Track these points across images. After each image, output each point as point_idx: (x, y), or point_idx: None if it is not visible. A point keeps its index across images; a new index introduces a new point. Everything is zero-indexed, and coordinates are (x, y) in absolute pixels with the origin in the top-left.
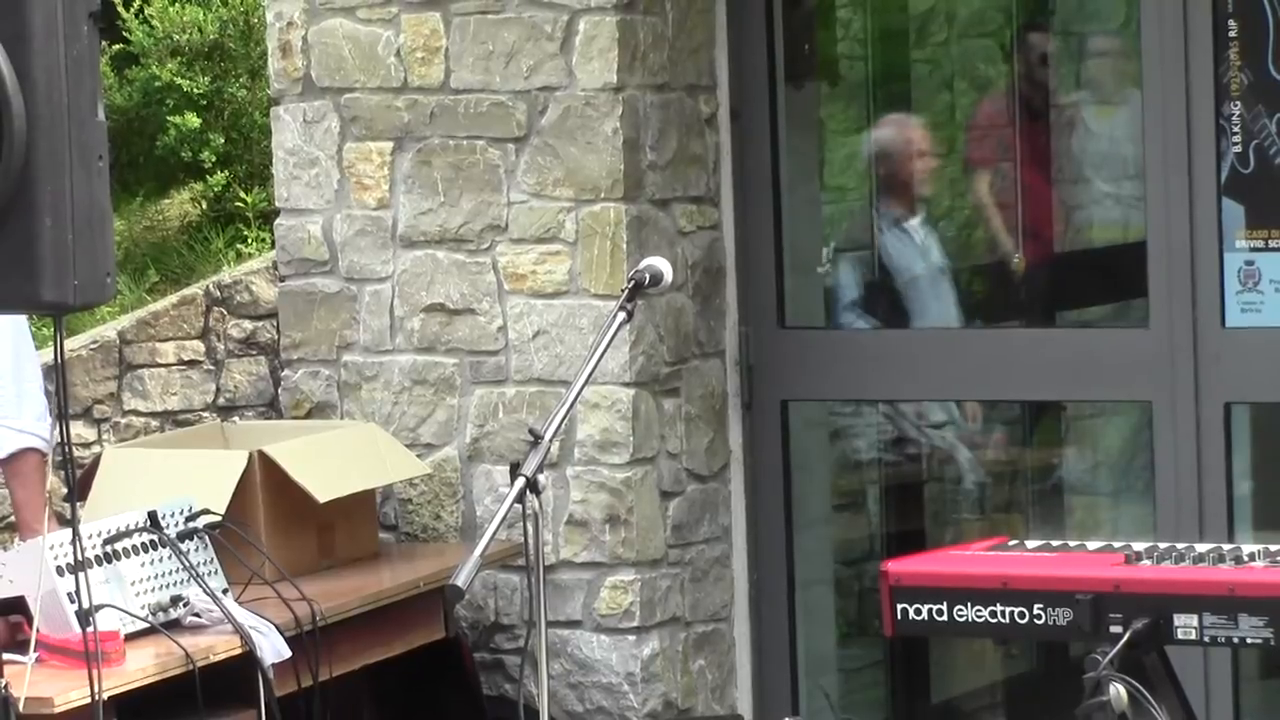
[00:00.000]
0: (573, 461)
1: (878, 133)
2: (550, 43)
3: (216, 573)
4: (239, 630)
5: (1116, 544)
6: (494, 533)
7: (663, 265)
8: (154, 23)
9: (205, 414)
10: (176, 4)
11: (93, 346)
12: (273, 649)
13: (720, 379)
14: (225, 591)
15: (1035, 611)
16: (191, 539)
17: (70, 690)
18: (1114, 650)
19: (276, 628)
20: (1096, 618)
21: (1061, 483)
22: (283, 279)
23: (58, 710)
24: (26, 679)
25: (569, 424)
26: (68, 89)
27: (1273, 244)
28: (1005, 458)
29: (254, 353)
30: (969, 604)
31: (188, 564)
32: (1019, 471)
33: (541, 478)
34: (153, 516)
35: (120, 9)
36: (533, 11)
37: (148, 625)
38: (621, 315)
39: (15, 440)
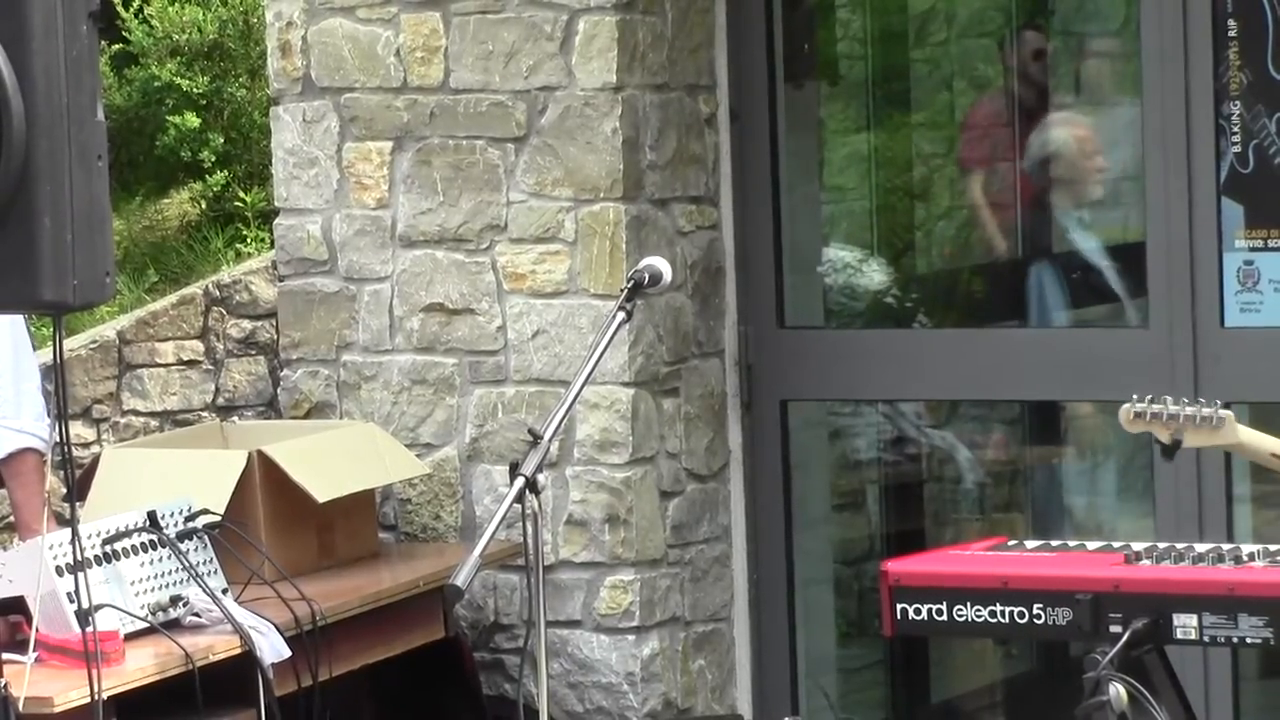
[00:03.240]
0: (572, 461)
1: (1054, 133)
2: (550, 42)
3: (216, 572)
4: (238, 630)
5: (1116, 544)
6: (493, 532)
7: (662, 265)
8: (153, 22)
9: (204, 414)
10: (176, 4)
11: (92, 346)
12: (272, 649)
13: (719, 379)
14: (225, 591)
15: (1035, 611)
16: (191, 539)
17: (70, 690)
18: (1114, 650)
19: (276, 627)
20: (1096, 617)
21: (1061, 483)
22: (282, 279)
23: (57, 710)
24: (26, 679)
25: (568, 424)
26: (67, 89)
27: (1272, 244)
28: (1005, 458)
29: (253, 352)
30: (969, 604)
31: (187, 564)
32: (1019, 471)
33: (541, 477)
34: (152, 516)
35: (120, 9)
36: (532, 11)
37: (147, 625)
38: (621, 315)
39: (14, 440)
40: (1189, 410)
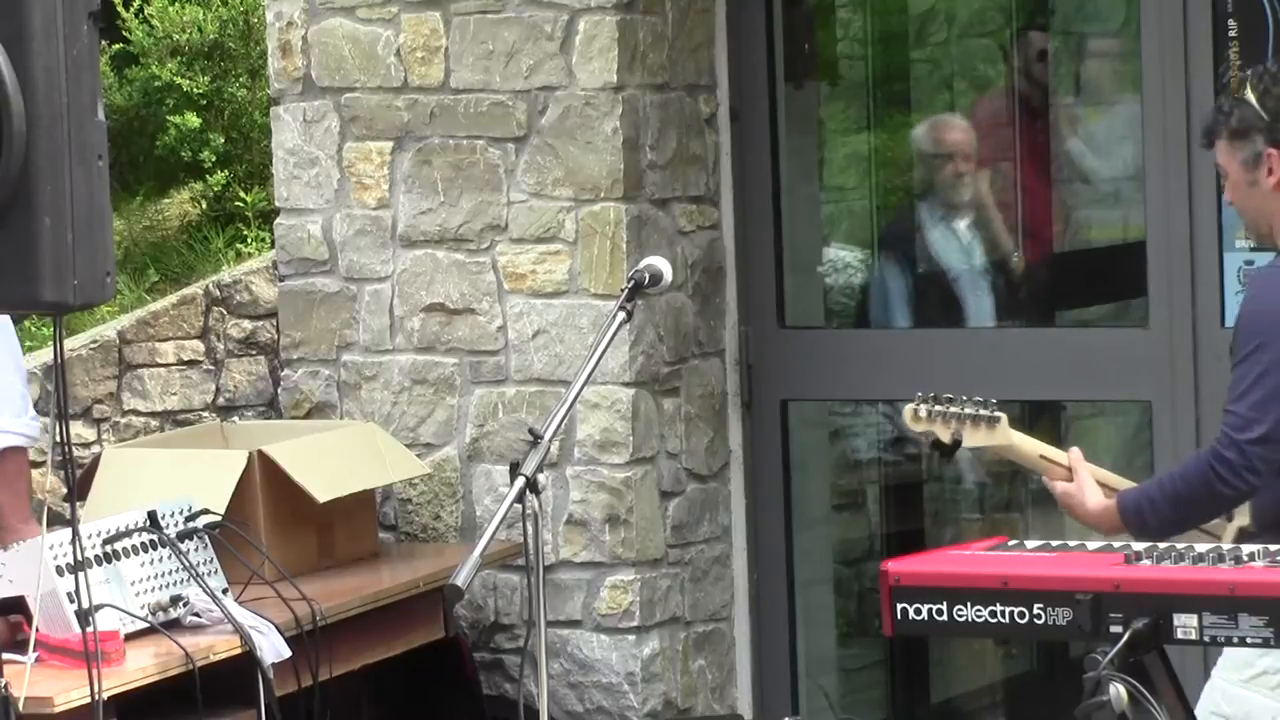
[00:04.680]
0: (572, 461)
1: (921, 131)
2: (550, 42)
3: (216, 572)
4: (239, 630)
5: (1116, 544)
6: (494, 532)
7: (662, 265)
8: (154, 22)
9: (205, 414)
10: (176, 3)
11: (92, 346)
12: (272, 649)
13: (720, 379)
14: (225, 591)
15: (1035, 611)
16: (191, 539)
17: (70, 690)
18: (1114, 650)
19: (276, 627)
20: (1096, 617)
21: None
22: (282, 279)
23: (58, 710)
24: (26, 679)
25: (569, 424)
26: (67, 89)
27: None
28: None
29: (254, 352)
30: (969, 604)
31: (187, 564)
32: (1019, 471)
33: (541, 477)
34: (152, 516)
35: (120, 9)
36: (533, 11)
37: (147, 625)
38: (621, 315)
39: None
40: (967, 410)
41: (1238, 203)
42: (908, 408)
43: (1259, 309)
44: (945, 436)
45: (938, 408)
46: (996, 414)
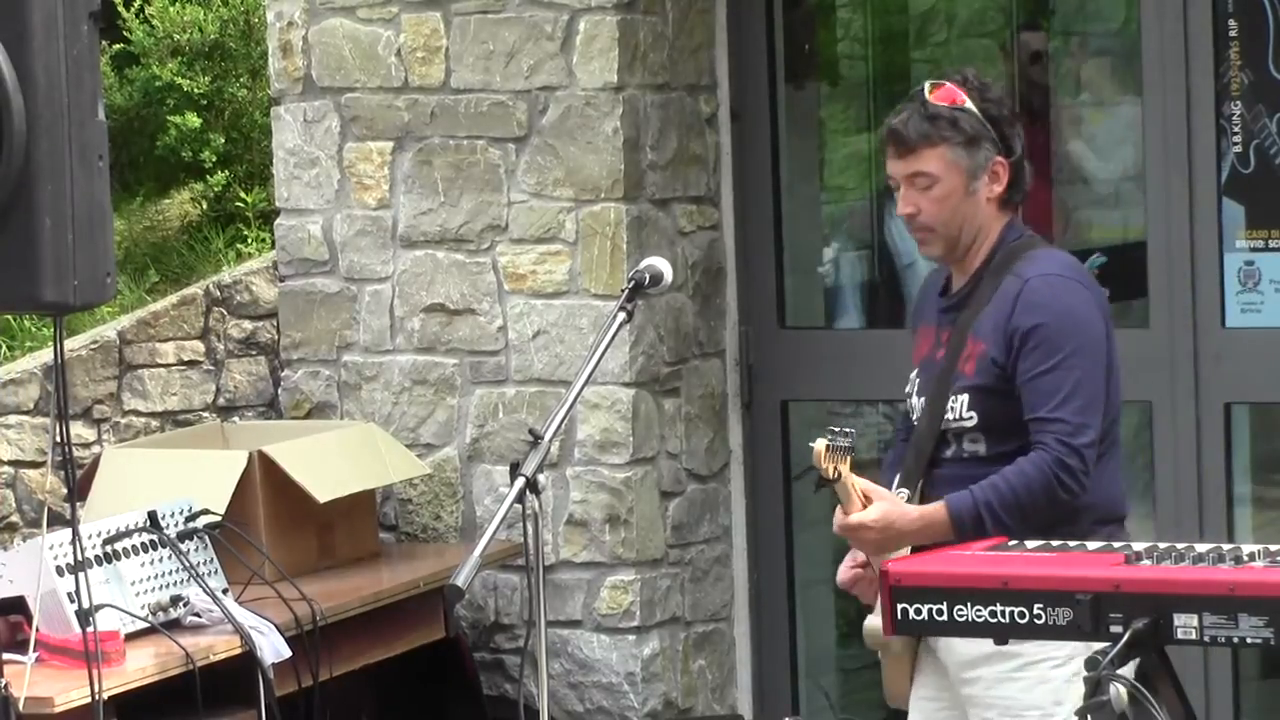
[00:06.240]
0: (573, 461)
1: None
2: (550, 42)
3: (216, 573)
4: (239, 630)
5: (1116, 544)
6: (494, 533)
7: (663, 265)
8: (154, 22)
9: (205, 414)
10: (177, 3)
11: (92, 346)
12: (273, 649)
13: (720, 379)
14: (225, 591)
15: (1035, 611)
16: (191, 539)
17: (70, 690)
18: (1114, 650)
19: (276, 627)
20: (1096, 617)
21: None
22: (283, 279)
23: (58, 710)
24: (26, 679)
25: (569, 424)
26: (68, 89)
27: (1273, 244)
28: None
29: (254, 353)
30: (969, 604)
31: (188, 564)
32: None
33: (541, 478)
34: (152, 516)
35: (120, 8)
36: (533, 11)
37: (148, 625)
38: (621, 315)
39: None
40: (851, 442)
41: (943, 213)
42: (820, 442)
43: (1064, 317)
44: (831, 472)
45: (845, 441)
46: (853, 445)
